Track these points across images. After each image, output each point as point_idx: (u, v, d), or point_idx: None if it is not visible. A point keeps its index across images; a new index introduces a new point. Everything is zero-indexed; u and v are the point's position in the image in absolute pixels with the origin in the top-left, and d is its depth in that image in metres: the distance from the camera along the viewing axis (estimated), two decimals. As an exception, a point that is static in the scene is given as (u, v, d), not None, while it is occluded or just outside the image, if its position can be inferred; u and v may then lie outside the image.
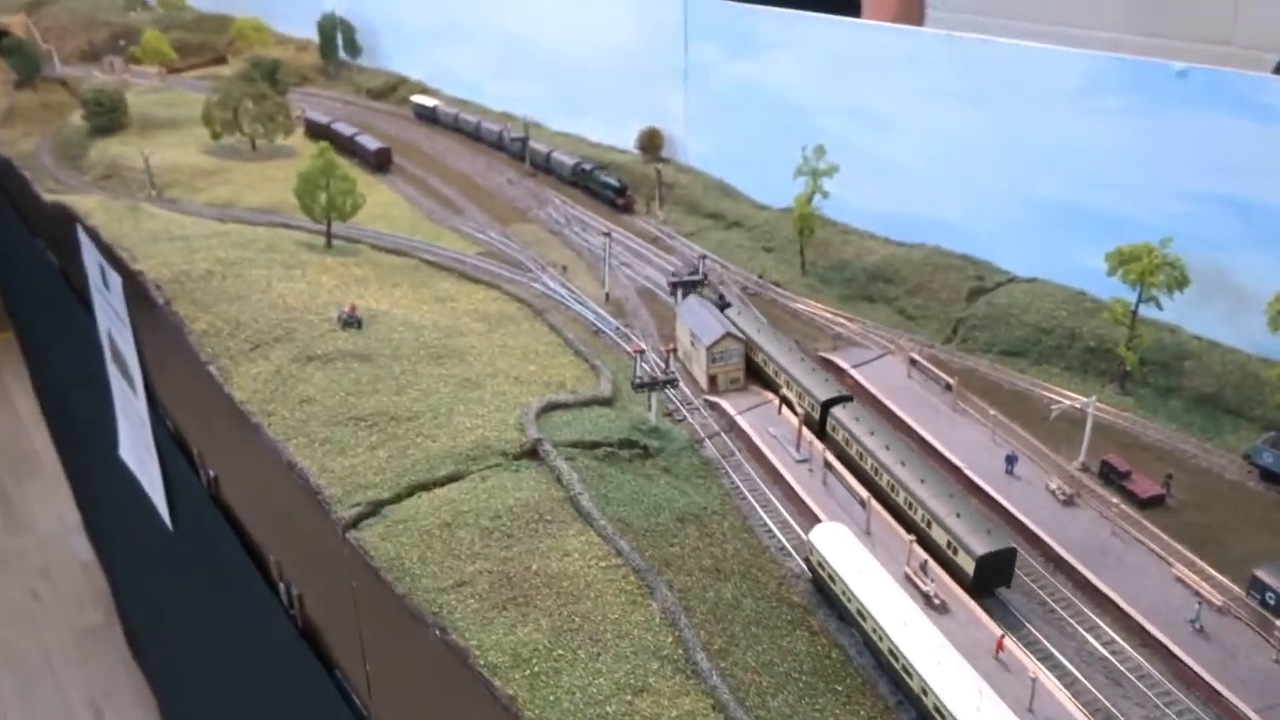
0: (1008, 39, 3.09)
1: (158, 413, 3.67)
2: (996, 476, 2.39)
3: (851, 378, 2.87)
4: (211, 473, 3.25)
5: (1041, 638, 1.97)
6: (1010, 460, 2.41)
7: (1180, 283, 2.51)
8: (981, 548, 2.04)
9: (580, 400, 2.71)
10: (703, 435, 2.68)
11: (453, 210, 4.36)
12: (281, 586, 2.81)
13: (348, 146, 4.96)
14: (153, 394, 3.70)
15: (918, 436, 2.58)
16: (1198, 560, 2.11)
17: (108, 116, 5.28)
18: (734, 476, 2.51)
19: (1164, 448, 2.48)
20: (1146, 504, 2.28)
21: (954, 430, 2.58)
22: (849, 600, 1.98)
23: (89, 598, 7.96)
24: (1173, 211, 2.66)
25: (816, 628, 2.02)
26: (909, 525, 2.23)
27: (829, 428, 2.57)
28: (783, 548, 2.25)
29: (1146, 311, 2.62)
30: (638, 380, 2.68)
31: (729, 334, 2.84)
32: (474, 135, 5.26)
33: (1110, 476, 2.36)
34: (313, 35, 6.57)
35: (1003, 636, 1.93)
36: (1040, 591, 2.09)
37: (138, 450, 4.03)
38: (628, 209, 4.22)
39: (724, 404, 2.78)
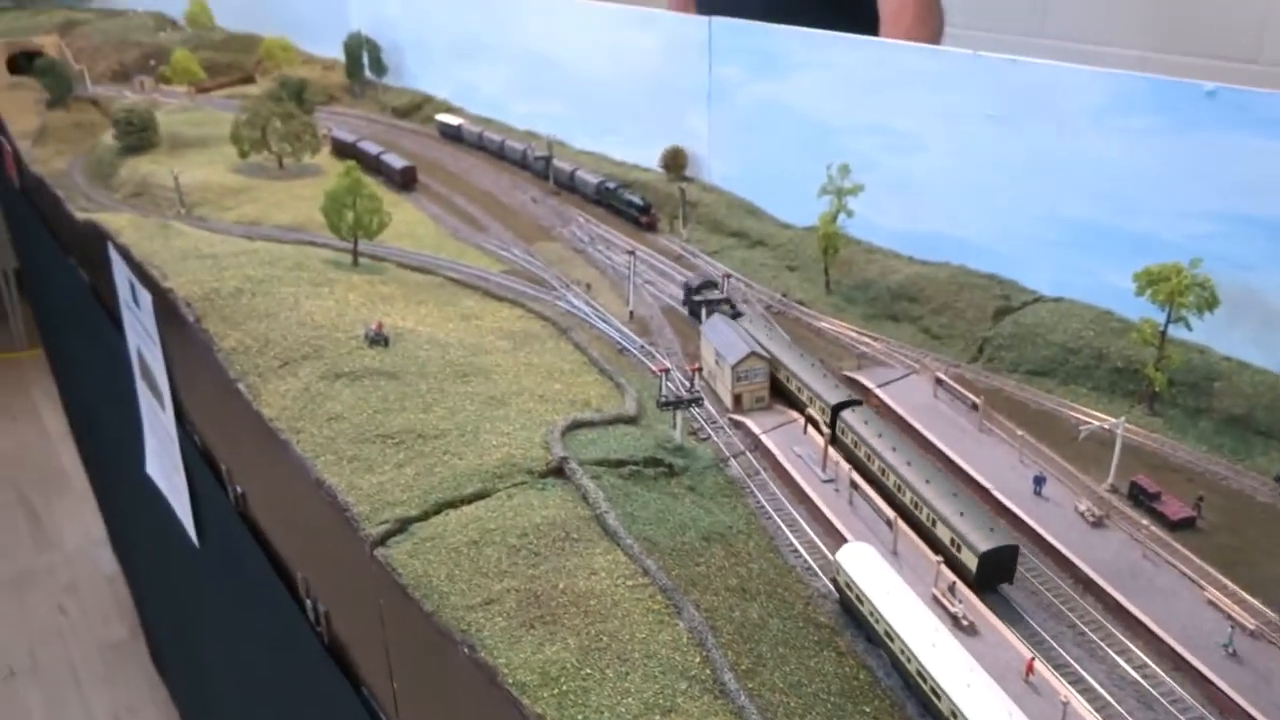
0: (1032, 58, 3.10)
1: (186, 429, 3.71)
2: (1025, 497, 2.37)
3: (877, 397, 2.86)
4: (239, 489, 3.28)
5: (1071, 660, 1.96)
6: (1038, 481, 2.40)
7: (1210, 303, 2.50)
8: (984, 544, 2.09)
9: (605, 418, 2.71)
10: (728, 454, 2.68)
11: (477, 228, 4.39)
12: (308, 603, 2.82)
13: (373, 165, 5.00)
14: (181, 410, 3.73)
15: (944, 456, 2.57)
16: (1229, 583, 2.09)
17: (138, 135, 5.35)
18: (759, 495, 2.51)
19: (1194, 469, 2.46)
20: (1177, 526, 2.26)
21: (981, 450, 2.57)
22: (876, 621, 1.98)
23: (114, 613, 8.02)
24: (1200, 231, 2.65)
25: (844, 648, 2.01)
26: (914, 524, 2.29)
27: (838, 430, 2.63)
28: (809, 567, 2.25)
29: (1175, 332, 2.60)
30: (663, 399, 2.69)
31: (754, 353, 2.84)
32: (498, 153, 5.30)
33: (1140, 498, 2.34)
34: (339, 55, 6.65)
35: (1033, 659, 1.92)
36: (1070, 614, 2.07)
37: (165, 466, 4.07)
38: (651, 227, 4.23)
39: (749, 423, 2.78)
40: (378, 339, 3.02)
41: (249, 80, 7.06)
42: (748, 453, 2.69)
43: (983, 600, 2.10)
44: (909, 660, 1.87)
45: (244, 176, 5.01)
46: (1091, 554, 2.19)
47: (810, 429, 2.72)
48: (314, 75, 6.62)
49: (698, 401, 2.76)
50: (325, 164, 5.20)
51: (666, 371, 2.83)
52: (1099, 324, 2.89)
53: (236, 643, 3.99)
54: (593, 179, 4.55)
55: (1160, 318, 2.60)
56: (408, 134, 5.85)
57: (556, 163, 4.80)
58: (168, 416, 3.82)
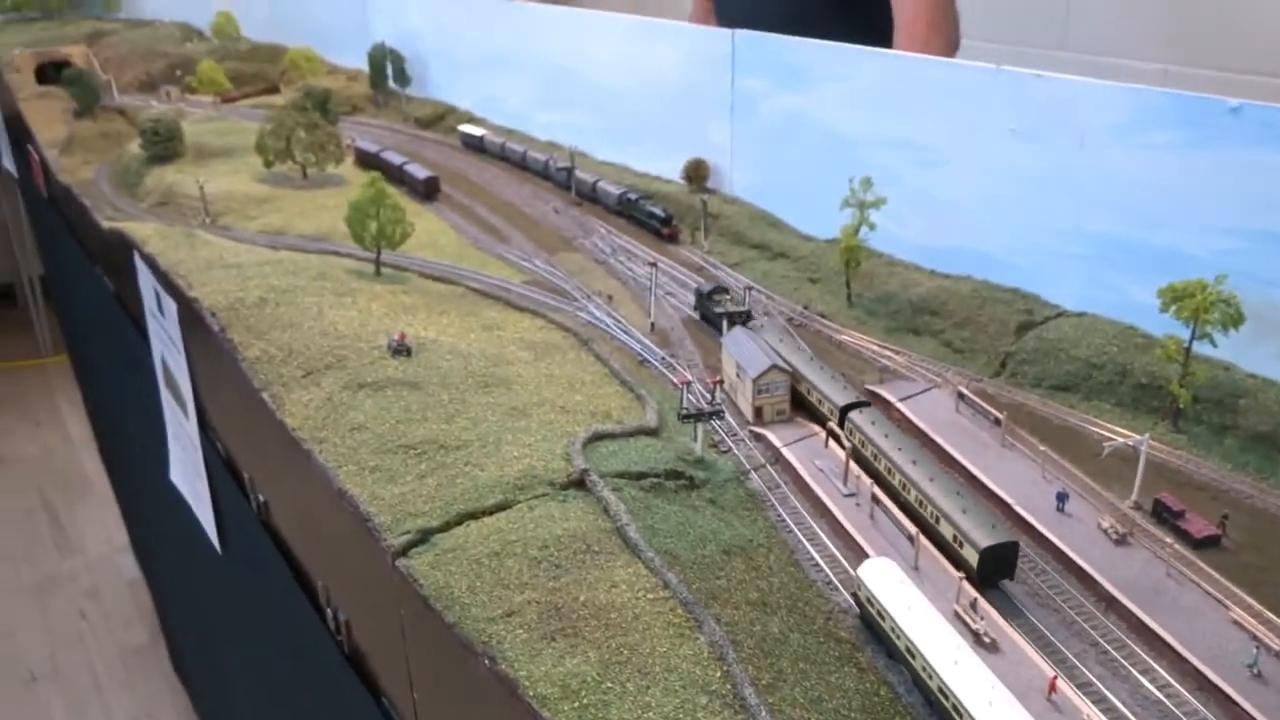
0: (1054, 70, 3.09)
1: (209, 437, 3.73)
2: (1047, 514, 2.36)
3: (899, 411, 2.86)
4: (261, 497, 3.30)
5: (1094, 679, 1.95)
6: (1061, 497, 2.39)
7: (1235, 320, 2.48)
8: (985, 540, 2.12)
9: (626, 430, 2.72)
10: (748, 467, 2.68)
11: (499, 238, 4.41)
12: (329, 612, 2.84)
13: (396, 175, 5.03)
14: (204, 419, 3.77)
15: (966, 471, 2.56)
16: (1254, 603, 2.07)
17: (164, 145, 5.41)
18: (780, 509, 2.50)
19: (1218, 487, 2.44)
20: (1201, 544, 2.25)
21: (1003, 466, 2.56)
22: (898, 637, 1.97)
23: (135, 618, 8.07)
24: (1225, 247, 2.63)
25: (865, 664, 2.01)
26: (919, 521, 2.32)
27: (846, 430, 2.65)
28: (830, 582, 2.24)
29: (1200, 348, 2.59)
30: (684, 411, 2.69)
31: (775, 366, 2.84)
32: (520, 164, 5.32)
33: (1164, 515, 2.33)
34: (363, 65, 6.70)
35: (1055, 677, 1.91)
36: (1092, 632, 2.06)
37: (188, 474, 4.10)
38: (673, 239, 4.24)
39: (770, 436, 2.78)
40: (400, 349, 3.04)
41: (274, 90, 7.13)
42: (768, 466, 2.69)
43: (983, 594, 2.13)
44: (930, 677, 1.87)
45: (268, 186, 5.06)
46: (1115, 571, 2.18)
47: (831, 442, 2.72)
48: (338, 86, 6.68)
49: (719, 414, 2.76)
50: (349, 174, 5.24)
51: (688, 384, 2.83)
52: (1122, 339, 2.87)
53: (257, 650, 4.02)
54: (614, 190, 4.56)
55: (1185, 334, 2.59)
56: (430, 144, 5.89)
57: (578, 174, 4.82)
58: (191, 424, 3.85)
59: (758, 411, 2.86)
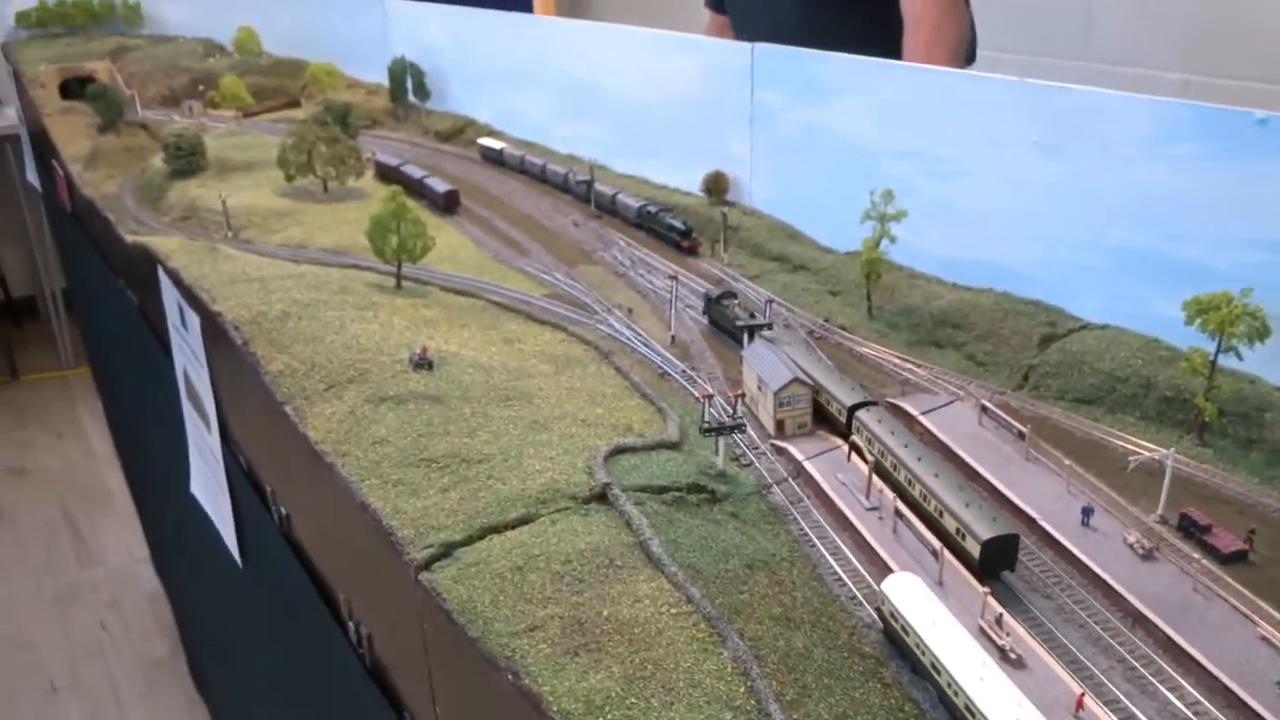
0: (1075, 81, 3.08)
1: (231, 450, 3.75)
2: (1072, 529, 2.35)
3: (921, 424, 2.85)
4: (283, 510, 3.31)
5: (1122, 695, 1.93)
6: (1086, 512, 2.37)
7: (1261, 333, 2.46)
8: (986, 533, 2.17)
9: (648, 444, 2.72)
10: (770, 481, 2.67)
11: (519, 251, 4.42)
12: (350, 625, 2.84)
13: (416, 188, 5.06)
14: (226, 431, 3.78)
15: (990, 485, 2.55)
16: (1284, 619, 2.05)
17: (187, 159, 5.45)
18: (802, 523, 2.50)
19: (1245, 501, 2.42)
20: (1228, 559, 2.23)
21: (1028, 480, 2.55)
22: (922, 653, 1.96)
23: (155, 630, 8.11)
24: (1251, 260, 2.62)
25: (889, 680, 2.00)
26: (923, 515, 2.37)
27: (853, 429, 2.69)
28: (853, 597, 2.24)
29: (1225, 361, 2.57)
30: (706, 425, 2.69)
31: (796, 379, 2.84)
32: (540, 177, 5.34)
33: (1190, 530, 2.31)
34: (383, 79, 6.75)
35: (1082, 694, 1.89)
36: (1119, 648, 2.04)
37: (209, 486, 4.12)
38: (693, 251, 4.25)
39: (791, 449, 2.78)
40: (422, 363, 3.05)
41: (295, 105, 7.18)
42: (790, 479, 2.68)
43: (985, 585, 2.17)
44: (956, 693, 1.85)
45: (289, 200, 5.09)
46: (1141, 587, 2.16)
47: (854, 456, 2.71)
48: (358, 100, 6.72)
49: (740, 428, 2.76)
50: (369, 187, 5.27)
51: (710, 397, 2.83)
52: (1147, 352, 2.85)
53: (277, 662, 4.02)
54: (634, 203, 4.57)
55: (1210, 347, 2.57)
56: (450, 157, 5.91)
57: (598, 186, 4.84)
58: (213, 437, 3.87)
59: (779, 425, 2.85)
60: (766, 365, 2.94)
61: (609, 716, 1.78)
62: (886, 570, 2.25)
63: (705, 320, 3.57)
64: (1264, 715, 1.86)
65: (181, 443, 4.36)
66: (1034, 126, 3.16)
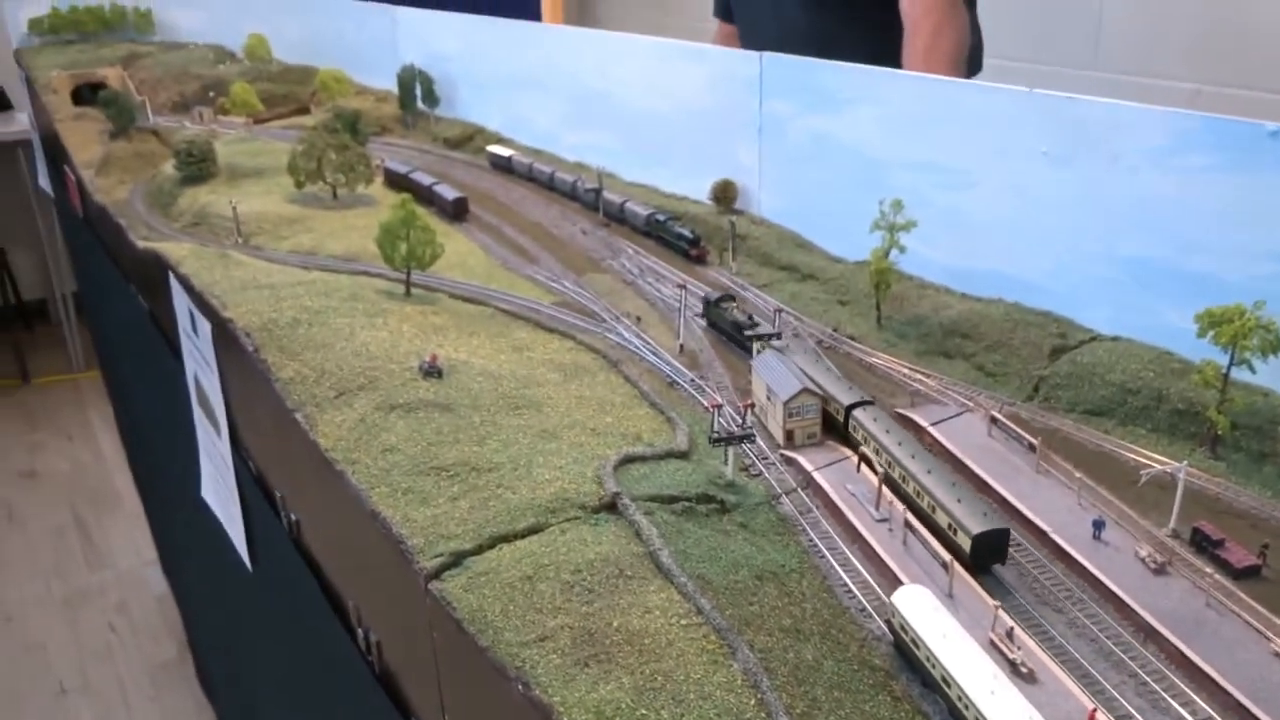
0: (1084, 91, 3.08)
1: (241, 456, 3.76)
2: (1084, 542, 2.34)
3: (930, 435, 2.84)
4: (293, 516, 3.32)
5: (1134, 711, 1.92)
6: (1097, 525, 2.37)
7: (1275, 346, 2.45)
8: (977, 527, 2.21)
9: (657, 453, 2.72)
10: (779, 491, 2.67)
11: (527, 259, 4.43)
12: (360, 632, 2.85)
13: (425, 196, 5.07)
14: (237, 438, 3.79)
15: (1000, 498, 2.54)
16: (1297, 634, 2.04)
17: (198, 166, 5.47)
18: (812, 534, 2.49)
19: (1258, 515, 2.41)
20: (1241, 574, 2.22)
21: (1038, 492, 2.54)
22: (933, 666, 1.95)
23: (163, 633, 8.12)
24: (1264, 273, 2.61)
25: (899, 693, 1.99)
26: (917, 511, 2.41)
27: (850, 428, 2.72)
28: (863, 609, 2.23)
29: (1238, 374, 2.56)
30: (715, 434, 2.69)
31: (806, 389, 2.84)
32: (548, 185, 5.34)
33: (1202, 544, 2.30)
34: (392, 86, 6.76)
35: (1095, 709, 1.88)
36: (1131, 663, 2.04)
37: (219, 492, 4.13)
38: (701, 260, 4.24)
39: (801, 459, 2.77)
40: (432, 370, 3.05)
41: (304, 111, 7.19)
42: (800, 490, 2.68)
43: (976, 579, 2.22)
44: (967, 707, 1.85)
45: (299, 206, 5.10)
46: (1154, 601, 2.16)
47: (864, 467, 2.71)
48: (367, 106, 6.74)
49: (750, 437, 2.76)
50: (378, 194, 5.28)
51: (719, 407, 2.83)
52: (1158, 364, 2.85)
53: (285, 667, 4.03)
54: (642, 211, 4.58)
55: (1222, 360, 2.56)
56: (459, 165, 5.92)
57: (606, 194, 4.84)
58: (224, 443, 3.88)
59: (789, 435, 2.85)
60: (776, 375, 2.93)
61: (619, 728, 1.78)
62: (896, 582, 2.24)
63: (704, 323, 3.58)
64: (1276, 731, 1.85)
65: (191, 447, 4.38)
66: (1043, 137, 3.16)
